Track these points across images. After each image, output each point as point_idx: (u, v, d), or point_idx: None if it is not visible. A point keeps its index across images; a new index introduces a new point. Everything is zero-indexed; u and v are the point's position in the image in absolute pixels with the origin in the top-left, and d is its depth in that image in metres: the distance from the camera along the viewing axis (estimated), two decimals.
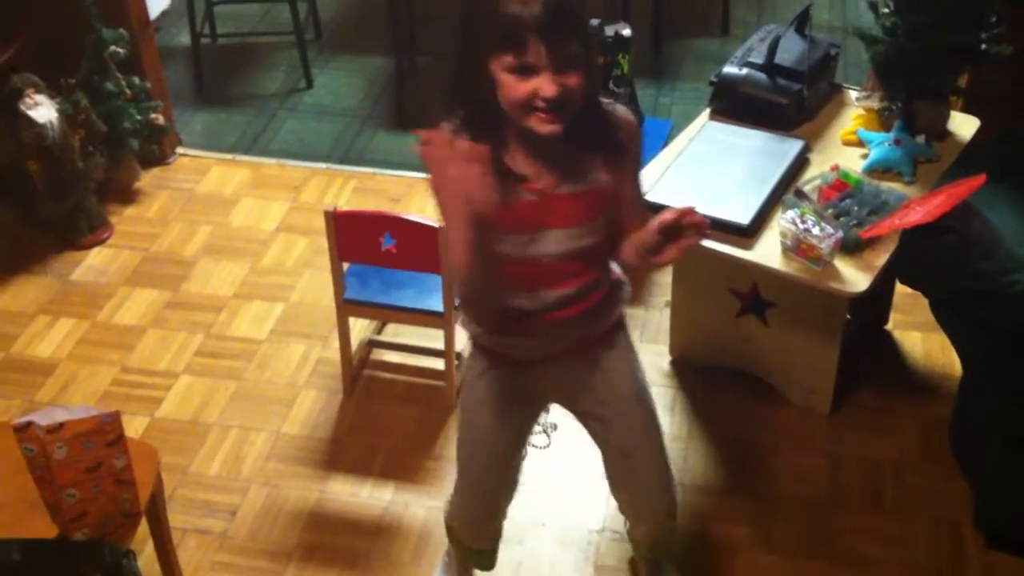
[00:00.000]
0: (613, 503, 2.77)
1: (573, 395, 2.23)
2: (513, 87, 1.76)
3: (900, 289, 3.26)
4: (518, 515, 2.82)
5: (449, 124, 1.89)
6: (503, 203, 1.83)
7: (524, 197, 1.89)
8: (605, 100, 1.96)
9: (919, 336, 3.30)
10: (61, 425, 2.09)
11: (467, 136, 1.85)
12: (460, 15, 1.83)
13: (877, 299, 3.25)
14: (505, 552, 2.73)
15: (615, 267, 2.13)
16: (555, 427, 3.02)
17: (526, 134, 1.84)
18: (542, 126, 1.80)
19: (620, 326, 2.19)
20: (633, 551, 2.59)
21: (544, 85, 1.75)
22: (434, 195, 1.87)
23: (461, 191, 1.74)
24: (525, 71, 1.75)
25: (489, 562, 2.51)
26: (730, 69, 3.09)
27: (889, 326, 3.35)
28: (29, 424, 2.10)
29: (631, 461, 2.27)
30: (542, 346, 2.08)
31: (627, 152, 1.97)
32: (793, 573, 2.69)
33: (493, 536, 2.48)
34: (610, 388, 2.19)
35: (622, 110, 1.98)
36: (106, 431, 2.14)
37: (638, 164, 2.05)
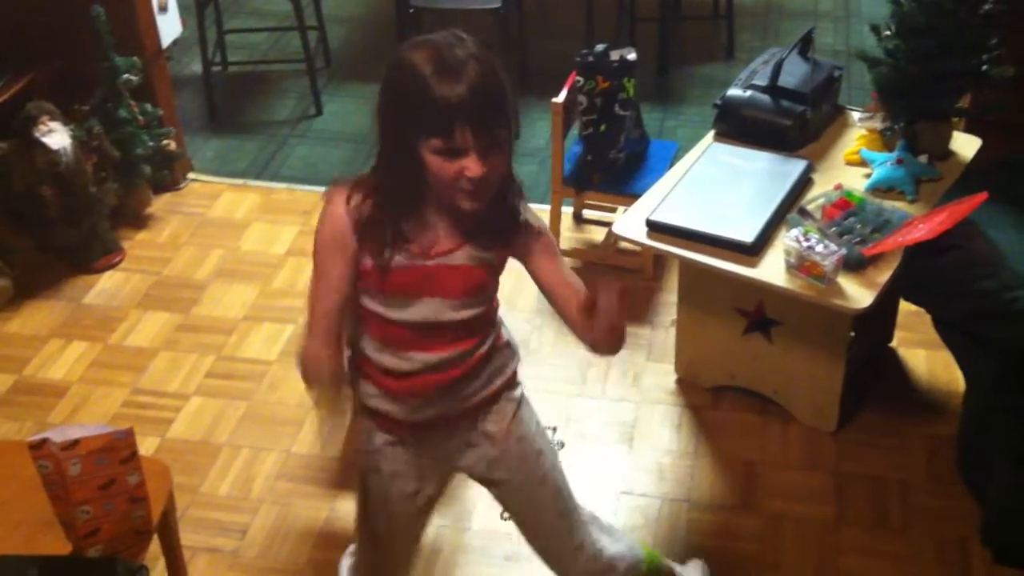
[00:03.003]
0: (618, 520, 2.80)
1: (466, 463, 2.16)
2: (440, 168, 1.78)
3: (904, 307, 3.28)
4: None
5: (353, 184, 1.91)
6: (388, 264, 1.87)
7: (409, 263, 1.89)
8: (517, 198, 1.94)
9: (924, 354, 3.32)
10: (76, 442, 2.12)
11: (374, 201, 1.87)
12: (384, 97, 1.83)
13: (881, 317, 3.27)
14: (514, 570, 2.76)
15: (504, 332, 2.11)
16: (562, 445, 3.04)
17: (445, 207, 1.86)
18: (466, 203, 1.82)
19: (507, 387, 2.12)
20: None
21: (470, 166, 1.76)
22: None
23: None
24: (452, 153, 1.76)
25: None
26: (734, 91, 3.13)
27: (894, 344, 3.37)
28: (44, 441, 2.13)
29: (528, 527, 2.24)
30: (419, 408, 2.04)
31: (531, 238, 1.95)
32: None
33: None
34: (495, 453, 2.13)
35: (534, 217, 1.97)
36: (120, 448, 2.16)
37: (553, 251, 2.00)
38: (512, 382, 2.15)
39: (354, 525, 2.28)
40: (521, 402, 2.17)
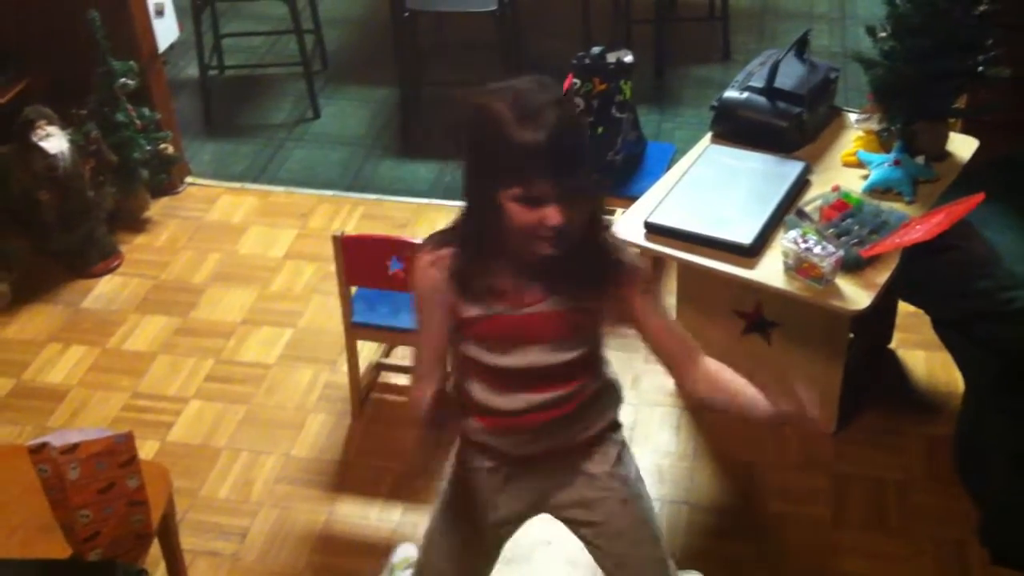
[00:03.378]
0: None
1: (558, 501, 2.14)
2: (520, 216, 1.75)
3: (903, 308, 3.29)
4: (524, 535, 2.84)
5: (440, 236, 1.91)
6: (484, 314, 1.88)
7: (503, 313, 1.89)
8: (614, 238, 1.93)
9: (923, 355, 3.33)
10: (75, 446, 2.12)
11: (461, 252, 1.87)
12: (467, 145, 1.81)
13: (880, 318, 3.28)
14: (513, 572, 2.76)
15: (609, 372, 2.10)
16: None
17: (522, 255, 1.83)
18: (546, 249, 1.79)
19: (611, 429, 2.13)
20: None
21: (550, 215, 1.74)
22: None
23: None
24: (532, 202, 1.74)
25: None
26: (731, 93, 3.14)
27: (892, 345, 3.38)
28: (44, 445, 2.13)
29: (623, 571, 2.16)
30: (523, 443, 2.04)
31: (627, 286, 1.92)
32: None
33: None
34: (596, 494, 2.11)
35: (629, 256, 1.94)
36: (119, 452, 2.17)
37: (653, 300, 1.99)
38: (616, 423, 2.15)
39: (424, 533, 2.25)
40: (624, 445, 2.16)
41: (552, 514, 2.19)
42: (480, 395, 1.99)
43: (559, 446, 2.05)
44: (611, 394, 2.11)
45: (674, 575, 2.19)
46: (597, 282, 1.91)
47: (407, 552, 2.70)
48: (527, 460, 2.07)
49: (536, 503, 2.16)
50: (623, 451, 2.15)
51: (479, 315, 1.89)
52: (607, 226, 1.92)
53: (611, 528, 2.12)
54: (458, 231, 1.89)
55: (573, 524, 2.18)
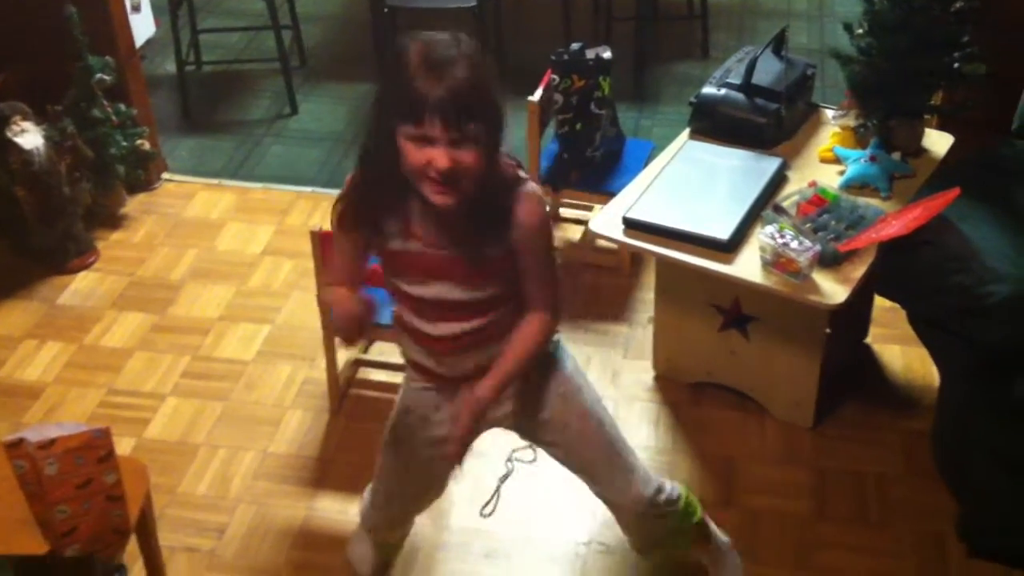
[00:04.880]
0: (599, 517, 2.81)
1: (501, 413, 2.27)
2: (411, 154, 1.86)
3: (879, 303, 3.31)
4: (505, 530, 2.85)
5: (354, 179, 2.04)
6: (399, 249, 2.03)
7: (413, 248, 2.03)
8: (518, 185, 2.01)
9: (899, 349, 3.35)
10: (52, 441, 2.11)
11: (366, 191, 2.00)
12: (380, 83, 1.94)
13: (857, 313, 3.30)
14: (493, 567, 2.77)
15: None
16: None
17: (423, 200, 1.93)
18: (435, 196, 1.90)
19: (545, 356, 2.24)
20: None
21: (438, 157, 1.84)
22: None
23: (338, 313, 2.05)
24: (422, 141, 1.84)
25: (396, 552, 2.74)
26: (709, 90, 3.15)
27: (869, 339, 3.40)
28: (20, 441, 2.12)
29: (587, 474, 2.37)
30: (453, 364, 2.17)
31: (518, 238, 2.01)
32: None
33: (404, 535, 2.70)
34: (534, 396, 2.26)
35: (526, 207, 2.00)
36: (97, 447, 2.16)
37: (535, 255, 2.06)
38: (553, 347, 2.26)
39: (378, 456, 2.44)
40: (555, 358, 2.27)
41: (500, 426, 2.33)
42: (408, 319, 2.14)
43: (488, 365, 2.14)
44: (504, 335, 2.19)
45: (629, 454, 2.35)
46: (491, 233, 2.00)
47: None
48: (460, 379, 2.18)
49: (486, 418, 2.23)
50: (556, 362, 2.27)
51: (395, 249, 2.04)
52: (503, 182, 1.99)
53: (555, 422, 2.27)
54: (366, 180, 2.01)
55: (522, 432, 2.35)
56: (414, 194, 1.95)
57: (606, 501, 2.41)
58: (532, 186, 2.04)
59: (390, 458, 2.41)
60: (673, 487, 2.43)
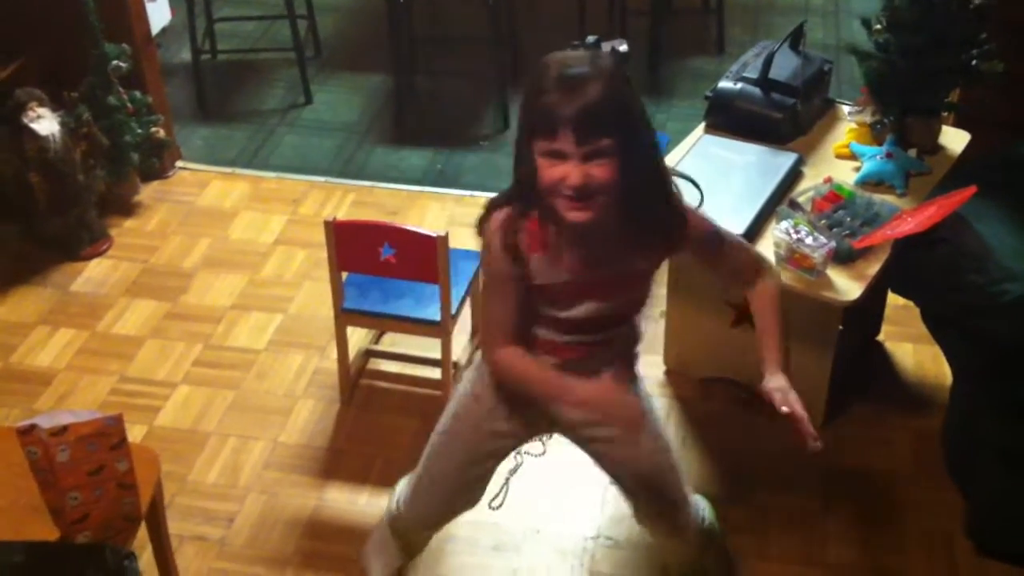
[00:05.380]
0: (608, 510, 2.81)
1: (573, 420, 2.25)
2: (545, 171, 1.87)
3: (892, 300, 3.30)
4: (513, 523, 2.86)
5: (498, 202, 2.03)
6: (547, 283, 2.02)
7: (562, 279, 2.02)
8: (667, 204, 2.01)
9: (911, 347, 3.34)
10: (65, 428, 2.11)
11: (515, 207, 1.99)
12: (522, 99, 1.93)
13: (869, 310, 3.29)
14: (501, 560, 2.77)
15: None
16: (550, 435, 3.04)
17: (558, 219, 1.92)
18: (569, 213, 1.89)
19: (630, 361, 2.27)
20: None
21: (571, 172, 1.84)
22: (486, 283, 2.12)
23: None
24: (556, 156, 1.85)
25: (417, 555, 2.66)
26: (725, 84, 3.14)
27: (881, 337, 3.39)
28: (33, 427, 2.12)
29: (642, 496, 2.32)
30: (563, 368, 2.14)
31: (675, 241, 2.05)
32: None
33: (428, 539, 2.62)
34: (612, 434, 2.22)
35: (677, 218, 2.02)
36: (109, 434, 2.16)
37: (701, 230, 2.09)
38: (634, 357, 2.28)
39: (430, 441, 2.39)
40: (638, 376, 2.29)
41: (564, 433, 2.32)
42: (544, 335, 2.12)
43: (589, 371, 2.14)
44: (637, 331, 2.25)
45: (686, 483, 2.34)
46: (643, 249, 2.02)
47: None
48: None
49: (545, 421, 2.29)
50: (637, 378, 2.28)
51: (542, 283, 2.02)
52: (654, 196, 1.98)
53: (620, 439, 2.22)
54: (512, 190, 2.00)
55: (583, 441, 2.30)
56: (553, 223, 1.95)
57: (653, 525, 2.39)
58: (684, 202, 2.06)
59: (443, 445, 2.35)
60: (707, 512, 2.45)
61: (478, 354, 2.31)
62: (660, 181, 1.99)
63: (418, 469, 2.43)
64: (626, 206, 1.92)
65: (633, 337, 2.24)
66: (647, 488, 2.29)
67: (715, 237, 2.11)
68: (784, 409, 2.03)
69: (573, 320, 2.08)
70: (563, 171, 1.84)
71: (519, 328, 2.08)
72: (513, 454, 2.98)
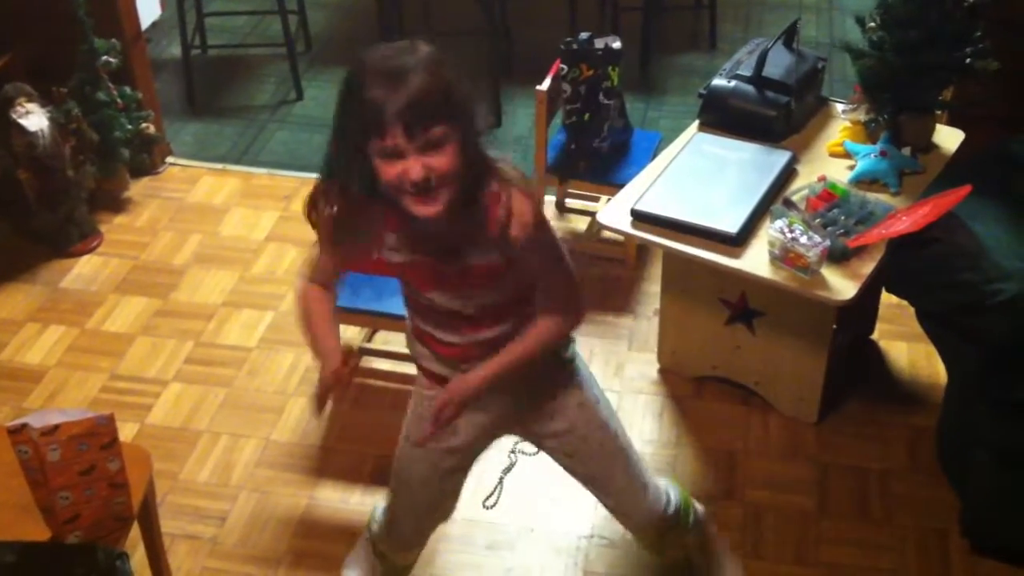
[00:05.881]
0: (601, 509, 2.79)
1: (517, 421, 2.25)
2: (384, 171, 1.79)
3: (886, 299, 3.30)
4: (507, 522, 2.85)
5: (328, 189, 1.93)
6: (398, 261, 1.96)
7: (407, 259, 1.96)
8: (504, 183, 1.89)
9: (905, 346, 3.34)
10: (55, 427, 2.10)
11: (348, 213, 1.90)
12: (337, 101, 1.85)
13: (863, 309, 3.29)
14: (496, 558, 2.76)
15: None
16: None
17: (405, 215, 1.85)
18: (418, 209, 1.81)
19: (557, 363, 2.18)
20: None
21: (410, 167, 1.77)
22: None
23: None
24: (391, 155, 1.77)
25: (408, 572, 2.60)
26: (719, 81, 3.13)
27: (875, 336, 3.38)
28: (23, 426, 2.11)
29: (599, 486, 2.32)
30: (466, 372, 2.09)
31: (508, 239, 1.89)
32: None
33: (414, 561, 2.56)
34: (552, 404, 2.21)
35: (507, 205, 1.88)
36: (100, 434, 2.14)
37: (534, 254, 1.95)
38: (561, 359, 2.19)
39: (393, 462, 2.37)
40: (574, 368, 2.22)
41: (515, 434, 2.32)
42: (422, 326, 2.10)
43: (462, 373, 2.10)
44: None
45: (642, 469, 2.33)
46: (467, 240, 1.91)
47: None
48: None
49: (494, 425, 2.24)
50: (573, 373, 2.22)
51: (395, 261, 1.97)
52: (478, 182, 1.88)
53: (576, 434, 2.23)
54: (340, 188, 1.91)
55: (534, 439, 2.30)
56: (392, 211, 1.88)
57: (617, 513, 2.38)
58: (512, 182, 1.90)
59: (404, 470, 2.33)
60: (675, 494, 2.42)
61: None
62: (485, 169, 1.88)
63: (388, 492, 2.43)
64: (460, 197, 1.83)
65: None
66: (595, 475, 2.29)
67: (546, 252, 1.97)
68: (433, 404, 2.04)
69: (433, 308, 2.02)
70: (402, 167, 1.77)
71: (328, 276, 2.08)
72: (508, 453, 2.98)
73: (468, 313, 2.02)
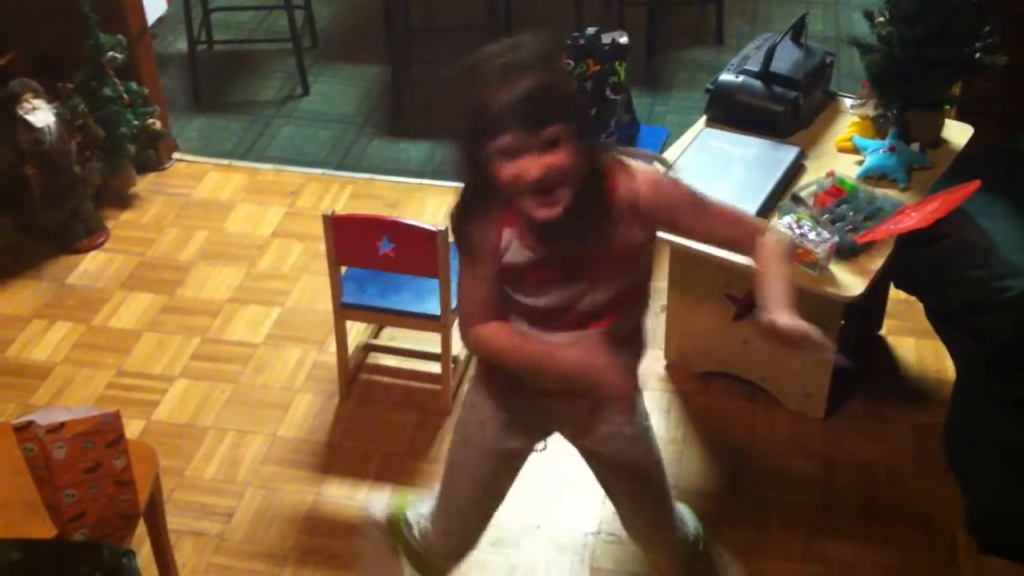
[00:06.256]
0: (608, 506, 2.78)
1: (571, 432, 2.23)
2: (503, 173, 1.77)
3: (894, 295, 3.29)
4: (513, 519, 2.84)
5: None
6: (511, 261, 1.91)
7: (525, 260, 1.91)
8: (621, 164, 1.89)
9: (913, 342, 3.32)
10: (61, 425, 2.09)
11: (472, 214, 1.91)
12: (446, 111, 1.86)
13: (871, 305, 3.27)
14: (501, 556, 2.75)
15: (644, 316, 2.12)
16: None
17: (528, 219, 1.84)
18: (538, 211, 1.80)
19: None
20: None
21: (529, 167, 1.75)
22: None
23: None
24: (509, 154, 1.76)
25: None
26: (726, 77, 3.12)
27: (883, 332, 3.37)
28: (29, 424, 2.10)
29: (626, 507, 2.31)
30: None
31: (649, 209, 1.89)
32: None
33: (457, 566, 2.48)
34: (608, 430, 2.19)
35: (623, 183, 1.88)
36: (106, 431, 2.14)
37: (688, 207, 1.94)
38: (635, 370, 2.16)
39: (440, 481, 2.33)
40: (639, 390, 2.20)
41: (567, 439, 2.27)
42: (523, 329, 2.01)
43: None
44: (639, 340, 2.10)
45: (673, 500, 2.35)
46: (586, 234, 1.88)
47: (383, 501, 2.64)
48: (549, 393, 2.09)
49: (548, 431, 2.24)
50: (640, 392, 2.21)
51: (508, 262, 1.92)
52: (608, 173, 1.87)
53: (629, 452, 2.21)
54: (467, 203, 1.92)
55: (585, 453, 2.27)
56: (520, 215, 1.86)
57: (642, 539, 2.38)
58: (627, 164, 1.90)
59: (459, 478, 2.27)
60: (696, 525, 2.42)
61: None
62: (601, 164, 1.88)
63: (438, 502, 2.34)
64: (580, 189, 1.81)
65: (633, 348, 2.10)
66: (631, 480, 2.26)
67: (693, 208, 1.95)
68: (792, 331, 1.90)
69: (536, 310, 1.96)
70: (520, 167, 1.75)
71: (495, 305, 1.97)
72: None
73: (582, 309, 1.95)
